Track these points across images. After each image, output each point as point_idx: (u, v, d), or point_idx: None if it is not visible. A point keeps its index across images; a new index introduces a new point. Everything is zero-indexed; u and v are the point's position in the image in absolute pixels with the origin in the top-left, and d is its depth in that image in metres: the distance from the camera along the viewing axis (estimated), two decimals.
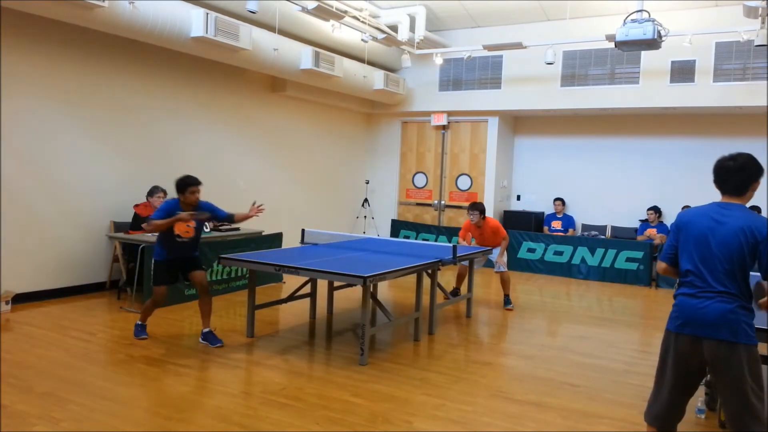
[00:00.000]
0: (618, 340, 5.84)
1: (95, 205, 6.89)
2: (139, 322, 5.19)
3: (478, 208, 6.97)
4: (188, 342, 5.14)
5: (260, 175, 9.18)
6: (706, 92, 8.53)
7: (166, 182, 7.12)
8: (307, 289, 6.08)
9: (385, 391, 4.14)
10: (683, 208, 8.46)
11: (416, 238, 10.46)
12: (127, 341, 5.04)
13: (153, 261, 5.17)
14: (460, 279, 7.37)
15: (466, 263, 6.78)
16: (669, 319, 2.89)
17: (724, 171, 2.84)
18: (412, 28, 9.27)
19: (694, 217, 2.86)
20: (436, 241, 10.17)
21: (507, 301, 7.11)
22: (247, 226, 8.01)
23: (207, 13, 6.67)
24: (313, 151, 10.31)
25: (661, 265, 3.11)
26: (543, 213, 10.62)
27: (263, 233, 7.76)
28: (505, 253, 7.10)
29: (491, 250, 6.90)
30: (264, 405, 3.82)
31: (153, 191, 6.86)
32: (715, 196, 2.96)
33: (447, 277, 8.25)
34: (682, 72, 8.67)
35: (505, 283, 7.09)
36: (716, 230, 2.74)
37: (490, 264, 7.35)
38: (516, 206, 11.03)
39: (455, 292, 7.32)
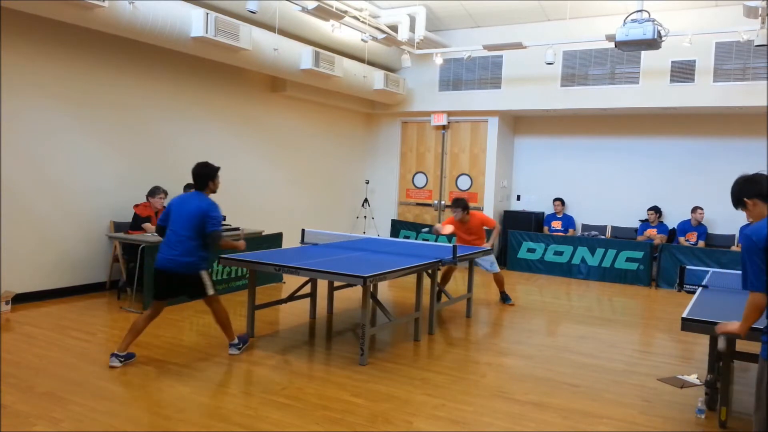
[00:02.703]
0: (618, 340, 5.84)
1: (95, 205, 6.89)
2: (235, 338, 4.83)
3: (459, 204, 6.73)
4: (188, 342, 5.14)
5: (260, 175, 9.18)
6: (706, 92, 8.52)
7: (166, 182, 7.14)
8: (307, 289, 6.08)
9: (385, 391, 4.14)
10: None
11: (416, 238, 10.46)
12: None
13: (204, 271, 4.60)
14: (444, 280, 7.06)
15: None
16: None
17: None
18: (412, 28, 9.27)
19: None
20: (436, 241, 10.16)
21: (506, 297, 7.13)
22: (247, 226, 8.02)
23: (207, 13, 6.67)
24: (313, 151, 10.31)
25: (762, 301, 2.77)
26: (543, 213, 10.61)
27: (263, 233, 7.76)
28: (495, 260, 7.05)
29: (491, 250, 6.89)
30: (264, 405, 3.82)
31: (154, 192, 6.85)
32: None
33: None
34: (682, 72, 8.66)
35: (499, 282, 7.14)
36: None
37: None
38: (516, 206, 11.03)
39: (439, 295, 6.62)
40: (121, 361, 4.43)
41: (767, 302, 2.74)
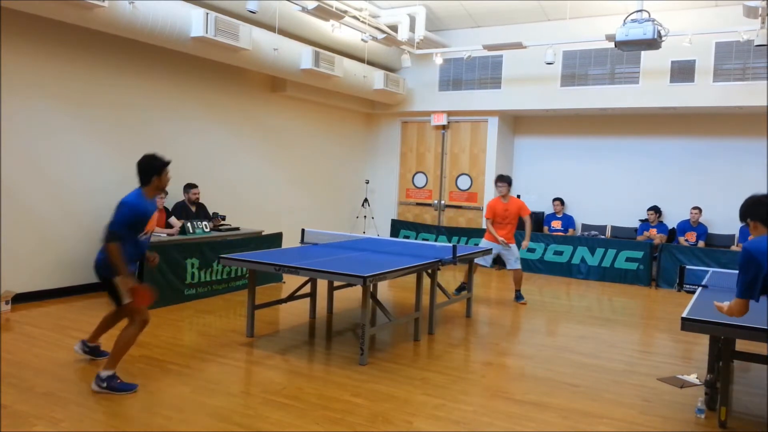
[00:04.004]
0: (618, 340, 5.84)
1: (95, 205, 6.88)
2: (113, 372, 3.87)
3: (506, 180, 7.18)
4: (188, 342, 5.14)
5: (260, 175, 9.18)
6: (706, 92, 8.53)
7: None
8: (307, 289, 6.07)
9: (385, 391, 4.14)
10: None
11: (416, 238, 10.46)
12: None
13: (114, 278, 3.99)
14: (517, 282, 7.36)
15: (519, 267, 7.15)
16: None
17: None
18: (412, 28, 9.27)
19: None
20: (436, 241, 10.16)
21: (519, 296, 7.29)
22: (247, 226, 8.03)
23: (207, 13, 6.67)
24: (313, 151, 10.31)
25: (744, 307, 3.07)
26: (543, 213, 10.61)
27: (263, 233, 7.76)
28: (519, 255, 7.26)
29: (491, 250, 6.93)
30: (264, 405, 3.82)
31: None
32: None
33: (447, 277, 8.26)
34: (682, 72, 8.66)
35: (517, 280, 7.30)
36: None
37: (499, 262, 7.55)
38: None
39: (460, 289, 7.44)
40: (85, 351, 4.42)
41: (748, 308, 3.07)
